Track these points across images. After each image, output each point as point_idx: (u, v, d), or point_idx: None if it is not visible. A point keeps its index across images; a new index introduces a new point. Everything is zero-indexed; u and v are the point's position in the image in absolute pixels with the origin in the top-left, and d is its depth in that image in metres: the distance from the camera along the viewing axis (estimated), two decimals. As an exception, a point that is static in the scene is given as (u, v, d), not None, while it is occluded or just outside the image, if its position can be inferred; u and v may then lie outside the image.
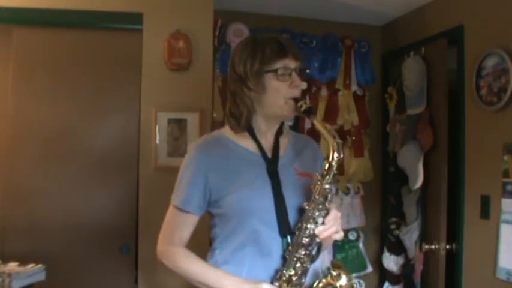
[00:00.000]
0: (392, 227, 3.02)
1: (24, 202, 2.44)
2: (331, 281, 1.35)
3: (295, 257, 1.34)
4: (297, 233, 1.35)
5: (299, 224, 1.35)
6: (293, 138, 1.57)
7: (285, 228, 1.38)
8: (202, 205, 1.43)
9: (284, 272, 1.34)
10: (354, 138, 3.23)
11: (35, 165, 2.47)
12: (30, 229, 2.43)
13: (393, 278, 3.06)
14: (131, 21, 2.52)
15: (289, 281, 1.34)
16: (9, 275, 2.02)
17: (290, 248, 1.35)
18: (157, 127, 2.52)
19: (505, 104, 2.27)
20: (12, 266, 2.15)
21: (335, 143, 1.33)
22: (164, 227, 1.49)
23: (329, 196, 1.34)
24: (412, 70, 2.89)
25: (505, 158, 2.27)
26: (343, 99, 3.25)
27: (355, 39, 3.29)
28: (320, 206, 1.33)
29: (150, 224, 2.44)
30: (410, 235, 2.82)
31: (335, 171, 1.34)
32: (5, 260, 2.22)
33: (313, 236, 1.33)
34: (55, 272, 2.24)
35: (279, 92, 1.40)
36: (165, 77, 2.54)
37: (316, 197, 1.33)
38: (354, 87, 3.28)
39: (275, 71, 1.38)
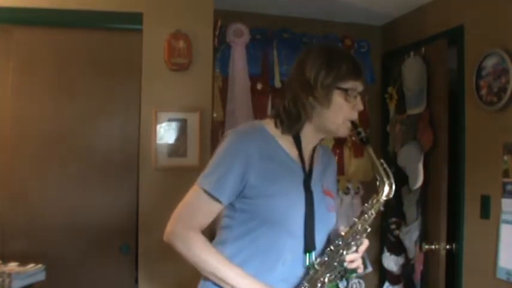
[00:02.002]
0: (392, 227, 3.02)
1: (24, 202, 2.44)
2: (376, 197, 1.40)
3: (321, 276, 1.35)
4: (328, 254, 1.37)
5: (332, 247, 1.37)
6: (321, 151, 1.56)
7: (310, 244, 1.38)
8: (232, 197, 1.38)
9: (306, 287, 1.35)
10: (353, 138, 3.22)
11: (35, 165, 2.47)
12: (30, 229, 2.43)
13: (393, 278, 3.06)
14: (131, 21, 2.52)
15: None
16: (9, 275, 2.02)
17: (317, 266, 1.36)
18: (157, 127, 2.52)
19: (505, 104, 2.27)
20: (12, 266, 2.15)
21: (388, 182, 1.40)
22: (183, 209, 1.40)
23: (368, 229, 1.39)
24: (412, 70, 2.89)
25: (505, 158, 2.27)
26: (343, 99, 3.24)
27: (355, 39, 3.29)
28: (358, 237, 1.37)
29: (150, 224, 2.45)
30: (410, 235, 2.82)
31: (381, 208, 1.40)
32: (5, 260, 2.22)
33: (342, 262, 1.36)
34: (55, 272, 2.24)
35: (342, 111, 1.39)
36: (165, 77, 2.54)
37: (358, 227, 1.37)
38: (354, 87, 3.27)
39: (346, 90, 1.38)
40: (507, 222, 2.26)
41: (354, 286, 3.22)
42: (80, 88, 2.53)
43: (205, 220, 1.39)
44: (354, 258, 1.37)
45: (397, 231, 2.96)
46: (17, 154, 2.46)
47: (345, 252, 1.36)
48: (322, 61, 1.39)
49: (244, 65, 3.02)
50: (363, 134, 1.41)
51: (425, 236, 2.74)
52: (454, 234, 2.62)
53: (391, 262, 3.02)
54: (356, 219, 1.39)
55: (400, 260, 2.97)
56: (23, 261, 2.19)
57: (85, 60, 2.54)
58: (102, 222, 2.50)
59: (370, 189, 3.25)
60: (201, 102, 2.58)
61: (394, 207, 3.05)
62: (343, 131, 1.43)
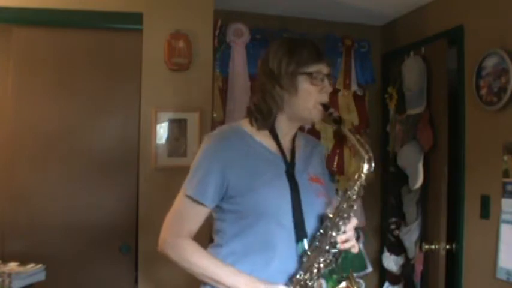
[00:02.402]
0: (392, 227, 3.02)
1: (24, 202, 2.44)
2: (350, 286, 1.40)
3: (314, 262, 1.34)
4: (319, 238, 1.36)
5: (321, 231, 1.37)
6: (304, 140, 1.58)
7: (301, 232, 1.38)
8: (216, 198, 1.40)
9: (301, 276, 1.34)
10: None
11: (35, 165, 2.47)
12: (30, 229, 2.43)
13: (393, 278, 3.06)
14: (131, 21, 2.52)
15: (304, 285, 1.34)
16: (9, 275, 2.01)
17: (309, 253, 1.36)
18: (157, 127, 2.52)
19: (505, 104, 2.27)
20: (12, 266, 2.15)
21: (366, 156, 1.36)
22: (172, 216, 1.43)
23: (354, 206, 1.37)
24: (412, 70, 2.89)
25: (505, 158, 2.27)
26: (343, 99, 3.25)
27: (355, 39, 3.29)
28: (345, 215, 1.36)
29: (150, 224, 2.44)
30: (410, 235, 2.82)
31: (364, 183, 1.38)
32: (5, 260, 2.22)
33: (334, 244, 1.35)
34: (55, 272, 2.24)
35: (310, 95, 1.41)
36: (165, 77, 2.54)
37: (343, 206, 1.36)
38: (354, 87, 3.28)
39: (310, 74, 1.40)
40: (507, 222, 2.26)
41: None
42: (80, 88, 2.53)
43: (194, 225, 1.41)
44: (345, 238, 1.36)
45: (397, 231, 2.95)
46: (17, 154, 2.46)
47: (334, 233, 1.35)
48: (283, 51, 1.42)
49: (244, 65, 3.02)
50: (335, 114, 1.41)
51: (425, 236, 2.74)
52: (454, 234, 2.62)
53: (391, 262, 3.02)
54: (340, 198, 1.38)
55: (400, 260, 2.97)
56: (23, 261, 2.19)
57: (85, 60, 2.54)
58: (102, 222, 2.50)
59: (370, 189, 3.28)
60: (201, 102, 2.58)
61: (394, 207, 3.06)
62: (316, 115, 1.43)
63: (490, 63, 2.37)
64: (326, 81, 1.43)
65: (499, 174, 2.30)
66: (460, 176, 2.59)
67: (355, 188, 1.37)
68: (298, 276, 1.34)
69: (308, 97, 1.41)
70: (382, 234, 3.29)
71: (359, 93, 3.29)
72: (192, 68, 2.57)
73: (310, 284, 1.34)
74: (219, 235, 1.45)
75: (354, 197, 1.37)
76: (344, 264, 3.15)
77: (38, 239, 2.43)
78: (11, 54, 2.47)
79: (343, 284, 1.40)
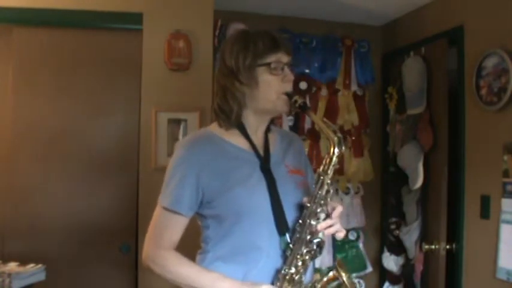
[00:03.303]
0: (392, 227, 3.02)
1: (24, 202, 2.44)
2: (336, 275, 1.34)
3: (297, 254, 1.31)
4: (298, 229, 1.32)
5: (300, 221, 1.33)
6: (279, 134, 1.54)
7: (282, 226, 1.35)
8: (193, 206, 1.37)
9: (286, 271, 1.31)
10: (353, 138, 3.23)
11: (35, 165, 2.47)
12: (30, 229, 2.43)
13: (393, 278, 3.06)
14: (131, 21, 2.52)
15: (291, 279, 1.31)
16: (9, 275, 2.01)
17: (291, 245, 1.32)
18: (157, 127, 2.52)
19: (505, 104, 2.27)
20: (12, 266, 2.15)
21: (336, 138, 1.31)
22: (151, 230, 1.41)
23: (331, 191, 1.33)
24: (412, 70, 2.89)
25: (505, 158, 2.27)
26: (343, 99, 3.25)
27: (355, 39, 3.28)
28: (322, 202, 1.32)
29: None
30: (410, 235, 2.82)
31: (336, 166, 1.33)
32: (5, 260, 2.22)
33: (315, 232, 1.31)
34: (55, 272, 2.24)
35: (272, 86, 1.37)
36: (165, 77, 2.54)
37: (319, 193, 1.31)
38: (354, 87, 3.28)
39: (268, 64, 1.36)
40: (507, 222, 2.26)
41: (356, 284, 3.22)
42: (80, 88, 2.53)
43: (174, 236, 1.39)
44: (326, 225, 1.32)
45: (397, 231, 2.96)
46: (17, 154, 2.45)
47: (313, 222, 1.31)
48: (238, 46, 1.38)
49: (244, 65, 3.01)
50: (299, 101, 1.36)
51: (425, 236, 2.74)
52: (454, 234, 2.62)
53: (391, 262, 3.02)
54: (314, 185, 1.33)
55: (400, 260, 2.98)
56: (23, 261, 2.19)
57: (85, 60, 2.54)
58: (102, 222, 2.50)
59: (370, 189, 3.29)
60: (201, 102, 2.58)
61: (394, 207, 3.06)
62: (281, 106, 1.39)
63: (490, 63, 2.37)
64: (286, 70, 1.39)
65: (499, 174, 2.30)
66: (460, 176, 2.59)
67: (329, 172, 1.32)
68: (283, 272, 1.31)
69: (269, 89, 1.37)
70: (382, 234, 3.29)
71: (359, 93, 3.29)
72: (192, 68, 2.57)
73: (297, 277, 1.31)
74: (206, 241, 1.43)
75: (329, 181, 1.32)
76: (344, 264, 3.16)
77: (38, 239, 2.43)
78: (11, 54, 2.47)
79: (330, 273, 1.35)
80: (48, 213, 2.46)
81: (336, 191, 3.20)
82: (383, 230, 3.25)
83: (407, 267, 2.91)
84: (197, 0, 2.60)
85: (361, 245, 3.24)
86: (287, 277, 1.31)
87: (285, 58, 1.39)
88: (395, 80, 3.13)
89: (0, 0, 2.37)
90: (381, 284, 3.19)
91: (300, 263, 1.31)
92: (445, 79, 2.67)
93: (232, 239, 1.36)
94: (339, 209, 1.35)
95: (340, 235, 1.35)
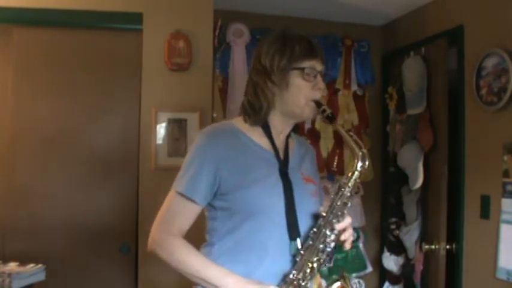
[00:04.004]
0: (393, 227, 3.02)
1: (24, 202, 2.44)
2: (344, 286, 1.37)
3: (308, 261, 1.32)
4: (312, 236, 1.34)
5: (314, 229, 1.34)
6: (297, 142, 1.56)
7: (294, 231, 1.36)
8: (208, 196, 1.37)
9: (295, 276, 1.32)
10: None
11: (35, 165, 2.47)
12: (30, 229, 2.43)
13: (393, 278, 3.06)
14: (131, 21, 2.52)
15: (298, 285, 1.31)
16: (9, 275, 2.02)
17: (302, 252, 1.33)
18: (157, 127, 2.52)
19: (505, 104, 2.27)
20: (12, 266, 2.15)
21: (360, 153, 1.35)
22: (161, 214, 1.40)
23: (349, 204, 1.35)
24: (412, 70, 2.89)
25: (505, 158, 2.27)
26: (343, 99, 3.25)
27: (355, 39, 3.29)
28: (339, 213, 1.34)
29: (150, 224, 2.43)
30: (410, 235, 2.82)
31: (358, 180, 1.36)
32: (5, 260, 2.22)
33: (328, 242, 1.33)
34: (55, 272, 2.24)
35: (301, 91, 1.39)
36: (165, 77, 2.54)
37: (338, 204, 1.34)
38: (354, 87, 3.28)
39: (302, 69, 1.38)
40: (507, 222, 2.25)
41: (354, 286, 3.22)
42: (80, 88, 2.53)
43: (185, 224, 1.38)
44: (342, 227, 1.36)
45: (397, 231, 2.96)
46: (17, 154, 2.46)
47: (328, 232, 1.33)
48: (275, 47, 1.40)
49: (244, 65, 3.02)
50: (328, 111, 1.38)
51: (425, 236, 2.74)
52: (454, 234, 2.61)
53: (391, 262, 3.02)
54: (333, 196, 1.36)
55: (400, 260, 2.98)
56: (23, 261, 2.19)
57: (85, 60, 2.53)
58: (102, 222, 2.50)
59: (370, 189, 3.29)
60: (201, 102, 2.58)
61: (394, 207, 3.06)
62: (308, 112, 1.41)
63: (490, 63, 2.37)
64: (319, 78, 1.41)
65: (499, 174, 2.30)
66: (460, 176, 2.59)
67: (349, 185, 1.35)
68: (291, 276, 1.32)
69: (299, 93, 1.39)
70: (382, 234, 3.29)
71: (359, 93, 3.29)
72: (192, 68, 2.57)
73: (303, 283, 1.32)
74: (211, 234, 1.42)
75: (348, 194, 1.35)
76: (344, 264, 3.16)
77: (38, 239, 2.43)
78: (11, 54, 2.47)
79: (338, 283, 1.38)
80: (48, 213, 2.46)
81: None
82: (383, 230, 3.25)
83: (407, 267, 2.91)
84: (197, 0, 2.60)
85: (361, 245, 3.24)
86: (295, 282, 1.32)
87: (319, 66, 1.41)
88: (395, 80, 3.13)
89: (0, 1, 2.37)
90: (381, 284, 3.19)
91: (308, 270, 1.32)
92: (445, 79, 2.68)
93: (240, 235, 1.36)
94: (348, 219, 1.38)
95: (347, 246, 1.40)
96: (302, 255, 1.33)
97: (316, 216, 1.38)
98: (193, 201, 1.36)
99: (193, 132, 2.54)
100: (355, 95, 3.28)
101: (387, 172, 3.22)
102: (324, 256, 1.34)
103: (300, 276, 1.31)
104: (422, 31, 2.95)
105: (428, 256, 2.70)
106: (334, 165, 3.20)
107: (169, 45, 2.51)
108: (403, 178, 2.90)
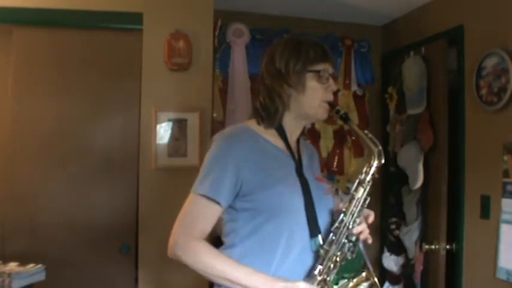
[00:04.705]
0: (392, 227, 3.02)
1: (24, 202, 2.44)
2: (369, 276, 1.42)
3: (332, 256, 1.36)
4: (334, 231, 1.38)
5: (337, 224, 1.39)
6: (304, 144, 1.61)
7: (315, 228, 1.40)
8: (230, 198, 1.38)
9: (320, 270, 1.35)
10: (354, 138, 3.23)
11: (35, 165, 2.47)
12: (30, 229, 2.43)
13: (393, 278, 3.06)
14: (131, 21, 2.52)
15: (323, 280, 1.35)
16: (9, 275, 2.01)
17: (326, 247, 1.37)
18: (157, 127, 2.52)
19: (505, 104, 2.27)
20: (12, 266, 2.15)
21: (376, 150, 1.41)
22: (183, 217, 1.38)
23: (368, 199, 1.42)
24: (412, 70, 2.89)
25: (505, 158, 2.27)
26: (343, 99, 3.25)
27: (355, 39, 3.29)
28: (359, 209, 1.40)
29: (150, 224, 2.45)
30: (410, 235, 2.82)
31: (375, 176, 1.44)
32: (5, 260, 2.22)
33: (351, 236, 1.38)
34: (55, 272, 2.24)
35: (316, 93, 1.44)
36: (165, 77, 2.54)
37: (358, 198, 1.41)
38: (354, 87, 3.28)
39: (317, 71, 1.43)
40: (507, 222, 2.26)
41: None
42: (80, 88, 2.53)
43: (207, 226, 1.38)
44: (361, 229, 1.41)
45: (397, 231, 2.96)
46: (17, 154, 2.46)
47: (351, 226, 1.39)
48: (290, 50, 1.46)
49: (244, 65, 3.02)
50: (342, 112, 1.45)
51: (425, 236, 2.74)
52: (454, 234, 2.62)
53: (391, 262, 3.02)
54: (354, 192, 1.43)
55: (400, 260, 2.97)
56: (23, 261, 2.19)
57: (85, 60, 2.54)
58: (102, 222, 2.50)
59: (370, 189, 3.28)
60: (201, 102, 2.58)
61: (394, 207, 3.06)
62: (322, 113, 1.47)
63: (490, 63, 2.37)
64: (331, 80, 1.47)
65: (499, 174, 2.30)
66: (460, 176, 2.59)
67: (367, 180, 1.43)
68: (316, 271, 1.36)
69: (314, 95, 1.44)
70: (382, 234, 3.29)
71: (359, 93, 3.29)
72: (192, 68, 2.57)
73: (328, 278, 1.36)
74: (231, 236, 1.43)
75: (368, 189, 1.42)
76: (344, 264, 3.16)
77: (38, 239, 2.43)
78: (11, 54, 2.47)
79: (363, 274, 1.43)
80: (48, 213, 2.46)
81: (336, 191, 3.20)
82: (383, 230, 3.25)
83: (407, 267, 2.91)
84: (197, 0, 2.60)
85: (361, 245, 3.23)
86: (320, 277, 1.35)
87: (330, 69, 1.47)
88: (395, 80, 3.13)
89: (0, 1, 2.37)
90: (381, 284, 3.19)
91: (331, 265, 1.37)
92: (445, 79, 2.68)
93: (263, 235, 1.38)
94: (372, 216, 1.47)
95: (369, 241, 1.46)
96: (327, 250, 1.37)
97: (333, 213, 1.45)
98: (217, 202, 1.36)
99: (193, 132, 2.54)
100: (355, 95, 3.28)
101: (387, 172, 3.22)
102: (346, 250, 1.39)
103: (325, 271, 1.36)
104: (422, 31, 2.95)
105: (428, 256, 2.70)
106: (334, 165, 3.20)
107: (169, 45, 2.51)
108: (403, 178, 2.90)
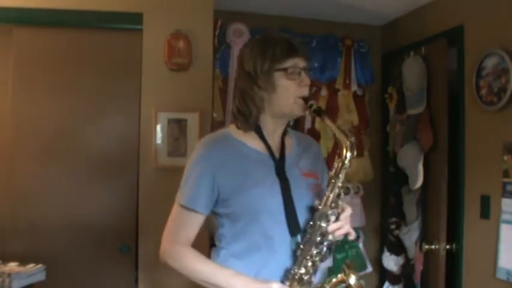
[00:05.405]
0: (392, 227, 3.02)
1: (24, 202, 2.44)
2: (344, 278, 1.36)
3: (307, 255, 1.34)
4: (309, 231, 1.36)
5: (311, 223, 1.37)
6: (296, 138, 1.58)
7: (294, 227, 1.39)
8: (209, 204, 1.42)
9: (296, 270, 1.34)
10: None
11: (35, 165, 2.47)
12: (30, 229, 2.43)
13: (393, 278, 3.06)
14: (131, 21, 2.52)
15: (300, 279, 1.34)
16: (9, 275, 2.02)
17: (302, 246, 1.36)
18: (157, 127, 2.52)
19: (505, 104, 2.27)
20: (12, 266, 2.15)
21: (348, 142, 1.35)
22: (169, 225, 1.46)
23: (342, 194, 1.37)
24: (412, 70, 2.89)
25: (505, 158, 2.27)
26: (343, 99, 3.25)
27: (355, 39, 3.29)
28: (333, 205, 1.36)
29: (150, 224, 2.45)
30: (410, 235, 2.82)
31: (348, 169, 1.37)
32: (5, 260, 2.22)
33: (325, 234, 1.35)
34: (55, 272, 2.24)
35: (288, 90, 1.41)
36: (165, 77, 2.54)
37: (330, 195, 1.36)
38: (354, 87, 3.28)
39: (285, 69, 1.40)
40: (507, 222, 2.26)
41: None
42: (80, 88, 2.53)
43: (191, 233, 1.44)
44: (337, 227, 1.36)
45: (397, 231, 2.96)
46: (17, 154, 2.46)
47: (323, 224, 1.34)
48: (256, 51, 1.43)
49: (244, 65, 3.01)
50: (315, 106, 1.41)
51: (425, 236, 2.74)
52: (454, 234, 2.62)
53: (391, 262, 3.02)
54: (326, 188, 1.38)
55: (400, 260, 2.97)
56: (23, 261, 2.19)
57: (85, 60, 2.54)
58: (102, 222, 2.50)
59: (370, 189, 3.29)
60: (201, 102, 2.58)
61: (394, 207, 3.06)
62: (298, 110, 1.43)
63: (490, 63, 2.37)
64: (303, 75, 1.42)
65: (499, 174, 2.30)
66: (460, 176, 2.59)
67: (340, 175, 1.36)
68: (293, 271, 1.35)
69: (287, 93, 1.41)
70: (382, 234, 3.29)
71: (359, 93, 3.29)
72: (192, 68, 2.57)
73: (306, 278, 1.34)
74: (219, 239, 1.47)
75: (340, 184, 1.36)
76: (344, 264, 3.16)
77: (38, 239, 2.43)
78: (11, 54, 2.47)
79: (339, 275, 1.38)
80: (48, 213, 2.46)
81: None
82: (383, 230, 3.25)
83: (407, 267, 2.91)
84: (197, 0, 2.60)
85: (361, 245, 3.24)
86: (296, 277, 1.34)
87: (301, 63, 1.43)
88: (395, 80, 3.13)
89: (0, 1, 2.37)
90: (381, 284, 3.19)
91: (309, 264, 1.35)
92: (445, 79, 2.67)
93: (245, 239, 1.40)
94: (348, 211, 1.40)
95: (351, 237, 1.42)
96: (302, 250, 1.35)
97: (314, 210, 1.40)
98: (195, 211, 1.41)
99: (193, 132, 2.54)
100: (355, 95, 3.28)
101: (387, 172, 3.22)
102: (324, 248, 1.36)
103: (302, 271, 1.34)
104: (422, 31, 2.95)
105: (428, 256, 2.70)
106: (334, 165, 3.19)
107: (169, 45, 2.51)
108: (403, 178, 2.89)
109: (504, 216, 2.27)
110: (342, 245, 3.17)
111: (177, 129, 2.55)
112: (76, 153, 2.51)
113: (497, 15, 2.38)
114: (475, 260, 2.47)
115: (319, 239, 1.34)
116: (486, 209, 2.39)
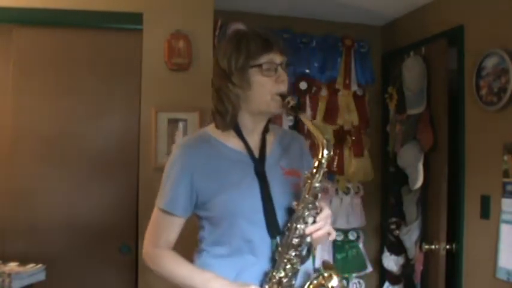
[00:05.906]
0: (392, 227, 3.02)
1: (24, 202, 2.44)
2: (323, 282, 1.31)
3: (285, 258, 1.30)
4: (286, 233, 1.32)
5: (289, 224, 1.32)
6: (279, 134, 1.53)
7: (274, 229, 1.35)
8: (188, 207, 1.39)
9: (274, 273, 1.31)
10: (353, 138, 3.23)
11: (35, 165, 2.47)
12: (30, 229, 2.43)
13: (393, 278, 3.06)
14: (131, 21, 2.52)
15: (279, 282, 1.30)
16: (9, 275, 2.02)
17: (280, 249, 1.32)
18: (157, 127, 2.52)
19: (505, 104, 2.27)
20: (12, 266, 2.15)
21: (324, 140, 1.29)
22: (149, 229, 1.45)
23: (319, 195, 1.31)
24: (412, 70, 2.90)
25: (505, 158, 2.27)
26: (343, 99, 3.25)
27: (355, 39, 3.29)
28: (310, 205, 1.30)
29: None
30: (410, 235, 2.82)
31: (325, 169, 1.31)
32: (5, 260, 2.22)
33: (303, 236, 1.30)
34: (55, 272, 2.24)
35: (265, 87, 1.36)
36: (165, 77, 2.54)
37: (306, 196, 1.30)
38: (354, 87, 3.28)
39: (260, 65, 1.35)
40: (507, 222, 2.26)
41: (354, 286, 3.23)
42: (80, 88, 2.53)
43: (171, 236, 1.43)
44: (315, 228, 1.29)
45: (397, 231, 2.96)
46: (17, 154, 2.45)
47: (301, 226, 1.29)
48: (230, 47, 1.38)
49: (244, 65, 3.01)
50: (291, 102, 1.34)
51: (425, 236, 2.74)
52: (454, 234, 2.62)
53: (391, 262, 3.02)
54: (303, 189, 1.32)
55: (400, 260, 2.98)
56: (23, 261, 2.19)
57: (85, 60, 2.53)
58: (102, 222, 2.50)
59: (370, 189, 3.29)
60: (201, 102, 2.57)
61: (394, 207, 3.06)
62: (275, 107, 1.37)
63: (490, 63, 2.37)
64: (280, 70, 1.37)
65: (499, 174, 2.30)
66: (460, 176, 2.59)
67: (317, 175, 1.30)
68: (271, 274, 1.31)
69: (263, 89, 1.36)
70: (382, 234, 3.29)
71: (359, 93, 3.29)
72: (192, 68, 2.57)
73: (285, 281, 1.30)
74: (201, 241, 1.45)
75: (317, 185, 1.30)
76: (344, 264, 3.16)
77: (38, 239, 2.43)
78: (11, 54, 2.47)
79: (320, 277, 1.32)
80: (48, 213, 2.46)
81: (336, 191, 3.20)
82: (383, 230, 3.25)
83: (407, 267, 2.91)
84: (197, 0, 2.60)
85: (361, 245, 3.24)
86: (274, 280, 1.31)
87: (278, 58, 1.37)
88: (395, 80, 3.13)
89: (0, 1, 2.37)
90: (381, 284, 3.19)
91: (288, 266, 1.31)
92: (445, 79, 2.67)
93: (226, 243, 1.37)
94: (326, 211, 1.33)
95: (330, 238, 1.35)
96: (280, 252, 1.32)
97: (293, 211, 1.35)
98: (173, 214, 1.40)
99: (193, 132, 2.53)
100: (355, 95, 3.28)
101: (387, 172, 3.22)
102: (304, 250, 1.31)
103: (281, 274, 1.30)
104: (422, 31, 2.95)
105: (428, 256, 2.70)
106: (334, 165, 3.19)
107: (169, 45, 2.51)
108: (403, 178, 2.90)
109: (504, 216, 2.27)
110: (342, 245, 3.17)
111: (177, 129, 2.55)
112: (76, 153, 2.51)
113: (497, 15, 2.38)
114: (475, 260, 2.47)
115: (297, 241, 1.29)
116: (486, 209, 2.39)
